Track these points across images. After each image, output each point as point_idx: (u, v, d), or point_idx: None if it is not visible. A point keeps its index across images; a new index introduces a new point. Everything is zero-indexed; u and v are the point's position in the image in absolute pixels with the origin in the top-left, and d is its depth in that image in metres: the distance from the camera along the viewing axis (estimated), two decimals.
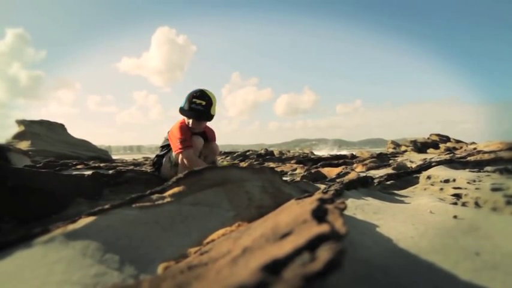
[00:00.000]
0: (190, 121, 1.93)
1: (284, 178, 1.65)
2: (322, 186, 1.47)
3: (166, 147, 2.08)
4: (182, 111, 1.92)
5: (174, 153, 1.95)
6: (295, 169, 3.57)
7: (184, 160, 1.86)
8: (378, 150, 13.03)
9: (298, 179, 2.08)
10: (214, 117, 2.02)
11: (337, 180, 1.77)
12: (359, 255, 0.53)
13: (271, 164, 4.48)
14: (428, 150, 8.89)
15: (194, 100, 1.88)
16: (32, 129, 9.75)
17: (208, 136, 2.11)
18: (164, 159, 2.04)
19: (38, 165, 3.00)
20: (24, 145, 8.47)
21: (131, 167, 2.94)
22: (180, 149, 1.86)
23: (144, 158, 9.54)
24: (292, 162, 5.05)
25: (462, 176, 1.66)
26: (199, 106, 1.89)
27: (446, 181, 1.61)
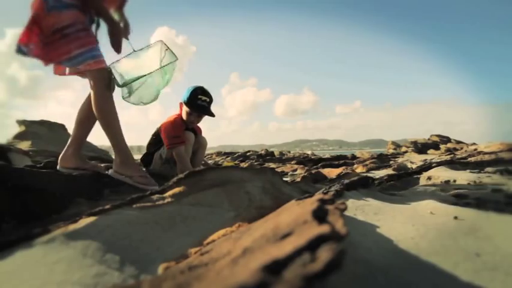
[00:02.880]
0: (192, 116, 2.06)
1: (284, 179, 1.65)
2: (323, 187, 1.47)
3: (155, 145, 2.14)
4: (189, 105, 2.04)
5: (165, 150, 2.02)
6: (296, 170, 3.56)
7: (175, 155, 1.96)
8: (378, 151, 13.02)
9: (299, 179, 2.08)
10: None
11: (338, 181, 1.77)
12: (359, 255, 0.53)
13: (272, 165, 4.48)
14: (428, 151, 8.88)
15: (200, 97, 2.04)
16: (32, 129, 9.75)
17: (197, 130, 2.28)
18: (155, 156, 2.10)
19: (38, 165, 2.99)
20: (24, 145, 8.46)
21: None
22: (172, 144, 1.95)
23: None
24: (292, 162, 5.04)
25: (463, 176, 1.66)
26: (205, 103, 2.06)
27: (447, 182, 1.61)
